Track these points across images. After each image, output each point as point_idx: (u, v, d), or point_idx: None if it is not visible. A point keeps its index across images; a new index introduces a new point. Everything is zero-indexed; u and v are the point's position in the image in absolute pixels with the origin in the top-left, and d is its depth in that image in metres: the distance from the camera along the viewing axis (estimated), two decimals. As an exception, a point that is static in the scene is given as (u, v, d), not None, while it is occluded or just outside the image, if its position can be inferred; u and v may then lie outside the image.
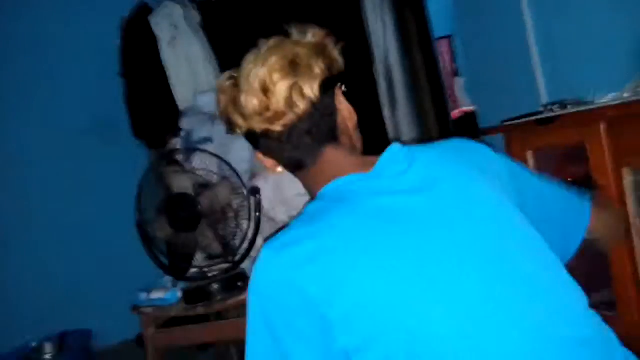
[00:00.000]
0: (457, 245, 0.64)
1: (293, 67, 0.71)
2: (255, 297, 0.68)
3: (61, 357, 2.43)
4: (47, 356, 2.43)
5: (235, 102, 0.75)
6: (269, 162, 0.78)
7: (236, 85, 0.75)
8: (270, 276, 0.66)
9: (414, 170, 0.70)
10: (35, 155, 2.51)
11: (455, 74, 3.65)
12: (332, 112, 0.75)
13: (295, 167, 0.76)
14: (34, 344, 2.44)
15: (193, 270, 1.68)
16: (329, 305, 0.62)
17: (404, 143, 0.78)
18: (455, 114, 3.21)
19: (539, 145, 1.57)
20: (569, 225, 0.80)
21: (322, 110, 0.73)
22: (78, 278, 2.56)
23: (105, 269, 2.58)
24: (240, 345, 1.83)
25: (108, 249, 2.58)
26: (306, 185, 0.78)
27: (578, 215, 0.81)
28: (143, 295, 1.69)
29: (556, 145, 1.56)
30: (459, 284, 0.62)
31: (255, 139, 0.76)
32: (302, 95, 0.71)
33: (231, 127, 0.77)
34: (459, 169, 0.71)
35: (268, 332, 0.66)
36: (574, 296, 0.67)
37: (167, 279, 1.74)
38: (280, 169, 0.78)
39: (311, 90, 0.71)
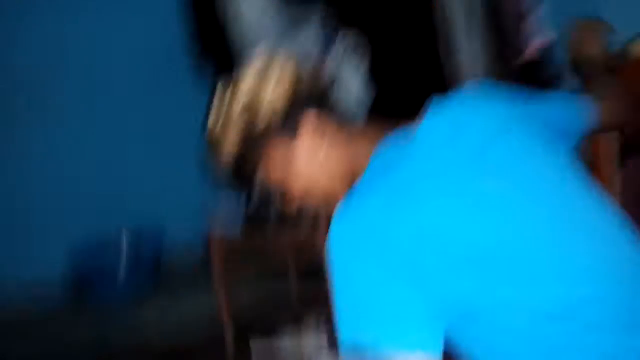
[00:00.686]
0: (528, 189, 0.68)
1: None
2: (346, 255, 0.63)
3: (136, 248, 2.72)
4: (124, 246, 2.73)
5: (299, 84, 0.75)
6: (320, 126, 0.75)
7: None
8: (352, 228, 0.63)
9: (464, 131, 0.71)
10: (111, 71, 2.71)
11: (528, 9, 3.42)
12: None
13: (353, 117, 0.78)
14: (112, 235, 2.74)
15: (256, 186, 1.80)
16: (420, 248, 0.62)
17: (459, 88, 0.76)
18: (529, 50, 3.05)
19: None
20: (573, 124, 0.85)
21: None
22: (154, 176, 2.80)
23: (179, 171, 2.77)
24: (296, 255, 1.98)
25: (182, 153, 2.78)
26: (353, 150, 0.75)
27: (577, 114, 0.86)
28: (212, 199, 1.86)
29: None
30: (539, 220, 0.66)
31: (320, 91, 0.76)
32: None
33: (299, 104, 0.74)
34: (500, 125, 0.73)
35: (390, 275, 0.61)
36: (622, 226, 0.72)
37: (233, 187, 1.88)
38: (328, 137, 0.75)
39: None
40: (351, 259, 0.63)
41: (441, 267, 0.62)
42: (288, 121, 0.74)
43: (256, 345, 1.76)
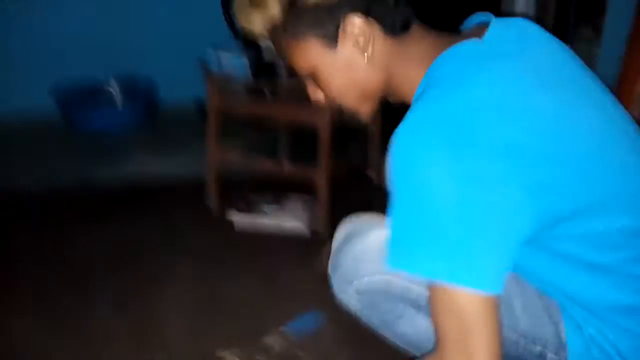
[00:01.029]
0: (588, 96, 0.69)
1: None
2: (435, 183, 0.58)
3: (127, 98, 2.63)
4: (114, 93, 2.63)
5: None
6: (365, 31, 0.68)
7: None
8: (429, 139, 0.58)
9: (532, 49, 0.68)
10: None
11: None
12: None
13: (401, 25, 0.69)
14: (103, 80, 2.62)
15: (264, 43, 1.67)
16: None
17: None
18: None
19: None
20: None
21: None
22: (151, 25, 2.59)
23: (178, 21, 2.59)
24: (290, 129, 1.92)
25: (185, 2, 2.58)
26: (404, 59, 0.70)
27: None
28: (212, 58, 1.72)
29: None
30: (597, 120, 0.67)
31: None
32: None
33: None
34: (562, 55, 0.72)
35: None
36: None
37: (238, 43, 1.74)
38: (369, 48, 0.69)
39: None
40: (424, 171, 0.58)
41: (527, 186, 0.58)
42: (332, 16, 0.67)
43: (237, 216, 1.75)
